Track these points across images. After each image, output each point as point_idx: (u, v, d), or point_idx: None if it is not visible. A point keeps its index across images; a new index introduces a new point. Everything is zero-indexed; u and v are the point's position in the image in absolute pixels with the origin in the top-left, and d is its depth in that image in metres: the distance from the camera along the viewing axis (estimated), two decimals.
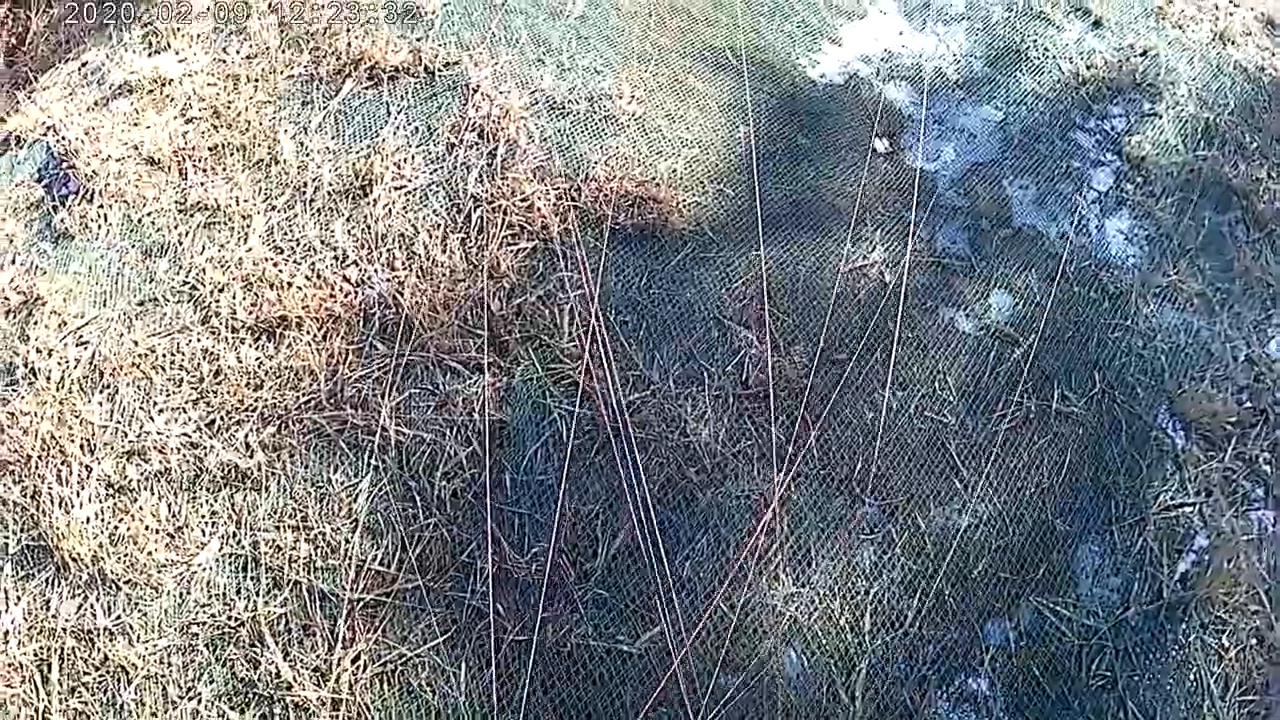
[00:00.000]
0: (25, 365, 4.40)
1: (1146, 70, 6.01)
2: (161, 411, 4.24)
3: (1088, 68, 6.00)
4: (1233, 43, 6.26)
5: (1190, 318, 4.93)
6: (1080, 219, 5.24)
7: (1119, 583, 4.12)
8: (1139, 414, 4.56)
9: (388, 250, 4.66)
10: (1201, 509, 4.33)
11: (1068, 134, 5.67)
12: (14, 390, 4.35)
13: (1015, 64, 6.04)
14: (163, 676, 3.71)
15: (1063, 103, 5.83)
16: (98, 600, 3.84)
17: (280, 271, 4.61)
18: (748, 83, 5.63)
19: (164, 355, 4.41)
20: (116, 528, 3.97)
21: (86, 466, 4.11)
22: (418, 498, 4.02)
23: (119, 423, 4.23)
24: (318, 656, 3.70)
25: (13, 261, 4.80)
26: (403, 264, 4.61)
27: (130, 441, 4.17)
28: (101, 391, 4.31)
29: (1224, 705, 3.89)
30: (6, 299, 4.66)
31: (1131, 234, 5.22)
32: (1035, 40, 6.15)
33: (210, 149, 5.13)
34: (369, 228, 4.74)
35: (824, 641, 3.84)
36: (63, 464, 4.12)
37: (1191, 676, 3.94)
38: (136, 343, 4.44)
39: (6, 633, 3.80)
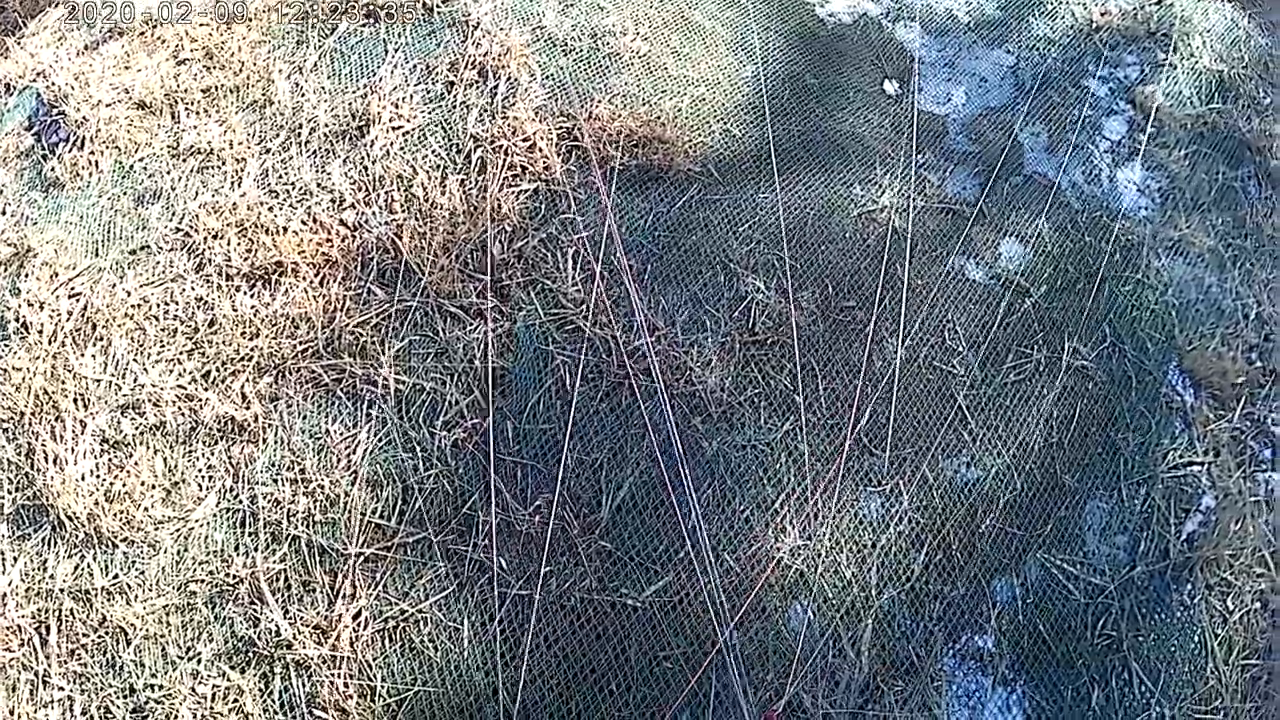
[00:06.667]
0: (17, 319, 4.35)
1: (1161, 19, 5.86)
2: (156, 363, 4.17)
3: (1101, 14, 5.87)
4: None
5: (1201, 273, 4.85)
6: (1092, 168, 5.15)
7: (1126, 541, 4.06)
8: (1149, 369, 4.49)
9: (385, 193, 4.56)
10: (1209, 469, 4.27)
11: (1080, 81, 5.57)
12: (6, 345, 4.29)
13: (1028, 7, 5.93)
14: (162, 636, 3.68)
15: (1075, 49, 5.71)
16: (95, 559, 3.81)
17: (275, 216, 4.52)
18: (755, 20, 5.51)
19: (157, 305, 4.33)
20: (112, 484, 3.92)
21: (81, 422, 4.05)
22: (418, 448, 3.95)
23: (113, 376, 4.16)
24: (318, 613, 3.65)
25: (3, 212, 4.73)
26: (401, 207, 4.51)
27: (125, 395, 4.11)
28: (95, 344, 4.24)
29: (1227, 669, 3.84)
30: None
31: (1144, 185, 5.13)
32: None
33: (203, 91, 5.04)
34: (366, 170, 4.64)
35: (830, 595, 3.79)
36: (57, 420, 4.06)
37: (1195, 638, 3.88)
38: (129, 293, 4.36)
39: (4, 595, 3.76)
